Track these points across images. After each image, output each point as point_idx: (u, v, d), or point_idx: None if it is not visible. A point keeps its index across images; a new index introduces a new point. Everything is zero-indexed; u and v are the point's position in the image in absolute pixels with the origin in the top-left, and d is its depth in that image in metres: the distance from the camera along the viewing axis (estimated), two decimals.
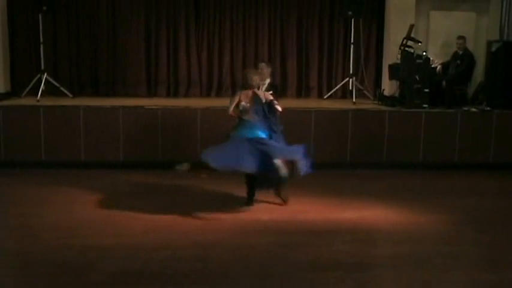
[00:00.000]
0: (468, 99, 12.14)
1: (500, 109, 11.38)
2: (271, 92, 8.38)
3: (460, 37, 12.19)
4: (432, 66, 11.99)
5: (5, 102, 11.18)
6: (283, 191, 8.51)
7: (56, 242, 7.04)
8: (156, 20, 13.09)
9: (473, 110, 11.48)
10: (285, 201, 8.56)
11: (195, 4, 13.13)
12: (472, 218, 8.39)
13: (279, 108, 8.13)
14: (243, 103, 8.15)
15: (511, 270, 6.52)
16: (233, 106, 8.20)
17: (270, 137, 8.16)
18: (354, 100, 12.07)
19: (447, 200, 9.19)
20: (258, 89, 8.32)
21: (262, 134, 8.10)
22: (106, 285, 5.97)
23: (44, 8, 11.80)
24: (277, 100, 8.25)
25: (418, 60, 11.46)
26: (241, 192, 8.62)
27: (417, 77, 11.39)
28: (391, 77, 12.33)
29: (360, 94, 12.59)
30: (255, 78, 8.25)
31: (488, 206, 9.04)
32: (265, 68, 8.66)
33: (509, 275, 6.37)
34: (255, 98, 8.15)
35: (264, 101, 8.14)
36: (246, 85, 8.24)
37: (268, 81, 8.61)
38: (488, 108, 11.52)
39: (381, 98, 12.09)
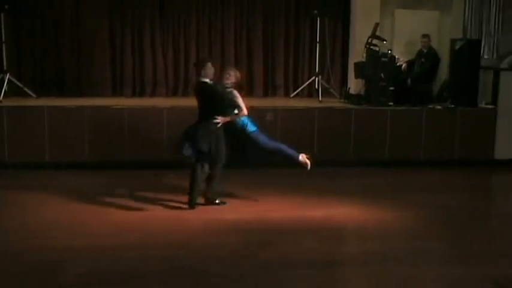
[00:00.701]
0: (433, 97, 12.28)
1: (464, 106, 11.55)
2: None
3: (425, 35, 12.33)
4: (397, 64, 12.08)
5: None
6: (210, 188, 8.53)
7: (24, 244, 6.95)
8: (121, 19, 12.96)
9: (438, 107, 11.61)
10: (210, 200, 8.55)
11: (160, 3, 13.04)
12: (439, 214, 8.49)
13: None
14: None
15: (478, 265, 6.59)
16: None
17: None
18: (320, 98, 12.12)
19: (414, 197, 9.27)
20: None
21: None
22: (75, 286, 5.90)
23: (6, 6, 11.57)
24: None
25: (383, 59, 11.55)
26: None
27: (382, 75, 11.48)
28: (356, 76, 12.39)
29: (326, 92, 12.64)
30: None
31: (454, 201, 9.15)
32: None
33: (476, 270, 6.43)
34: None
35: None
36: (238, 85, 8.64)
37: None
38: (453, 106, 11.66)
39: (347, 96, 12.15)
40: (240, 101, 8.48)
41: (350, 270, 6.61)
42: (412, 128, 11.27)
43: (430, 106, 11.61)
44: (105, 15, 12.87)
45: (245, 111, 8.49)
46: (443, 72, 12.71)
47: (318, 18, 12.67)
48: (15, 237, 7.20)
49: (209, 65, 8.46)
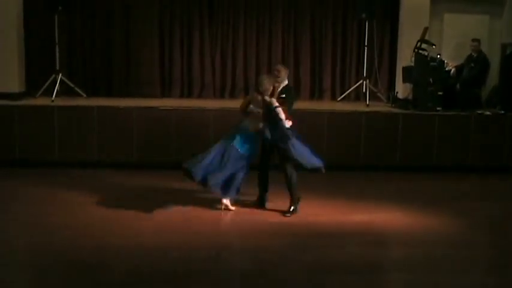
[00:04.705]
0: (482, 102, 12.09)
1: None
2: (283, 95, 8.37)
3: (475, 40, 12.12)
4: (446, 69, 11.94)
5: (20, 102, 11.25)
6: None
7: (69, 242, 7.10)
8: (170, 21, 13.12)
9: (487, 113, 11.43)
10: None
11: (209, 6, 13.16)
12: (485, 221, 8.38)
13: (282, 116, 8.09)
14: (251, 106, 8.32)
15: None
16: (242, 104, 8.48)
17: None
18: (367, 102, 12.05)
19: (460, 204, 9.17)
20: (272, 93, 8.32)
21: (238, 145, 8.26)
22: (118, 285, 6.02)
23: (60, 8, 11.85)
24: (285, 104, 8.25)
25: (432, 63, 11.45)
26: (253, 195, 8.64)
27: (431, 79, 11.37)
28: (404, 80, 12.30)
29: (374, 96, 12.56)
30: (266, 84, 8.29)
31: (500, 210, 9.02)
32: (282, 70, 8.60)
33: None
34: (265, 104, 8.21)
35: (273, 106, 8.16)
36: (258, 89, 8.33)
37: (285, 83, 8.54)
38: (502, 112, 11.47)
39: (394, 101, 12.06)
40: None
41: (392, 277, 6.59)
42: (460, 134, 11.13)
43: (479, 112, 11.44)
44: (154, 17, 13.04)
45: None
46: (493, 77, 12.51)
47: (366, 22, 12.61)
48: (61, 235, 7.34)
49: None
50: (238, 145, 8.20)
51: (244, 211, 8.37)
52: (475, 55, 12.11)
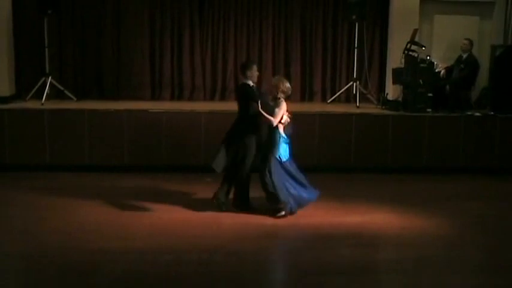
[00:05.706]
0: (472, 104, 12.13)
1: (504, 114, 11.37)
2: None
3: (467, 38, 12.12)
4: (436, 70, 11.97)
5: (10, 106, 11.20)
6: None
7: (61, 246, 7.08)
8: (160, 23, 13.09)
9: (477, 114, 11.47)
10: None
11: (199, 8, 13.13)
12: (476, 222, 8.40)
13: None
14: (285, 116, 8.27)
15: None
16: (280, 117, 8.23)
17: None
18: (357, 104, 12.08)
19: (451, 205, 9.19)
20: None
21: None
22: None
23: (49, 11, 11.79)
24: None
25: (421, 65, 11.46)
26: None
27: (421, 81, 11.39)
28: (394, 81, 12.31)
29: (364, 98, 12.58)
30: None
31: (492, 210, 9.05)
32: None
33: None
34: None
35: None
36: (285, 94, 8.31)
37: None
38: (492, 113, 11.51)
39: (385, 102, 12.07)
40: (279, 112, 8.13)
41: (385, 278, 6.61)
42: (450, 135, 11.16)
43: (469, 113, 11.48)
44: (145, 19, 13.00)
45: (273, 121, 8.07)
46: (483, 78, 12.55)
47: (356, 24, 12.63)
48: (53, 239, 7.33)
49: (255, 67, 8.49)
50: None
51: (237, 214, 8.36)
52: (464, 55, 12.11)
